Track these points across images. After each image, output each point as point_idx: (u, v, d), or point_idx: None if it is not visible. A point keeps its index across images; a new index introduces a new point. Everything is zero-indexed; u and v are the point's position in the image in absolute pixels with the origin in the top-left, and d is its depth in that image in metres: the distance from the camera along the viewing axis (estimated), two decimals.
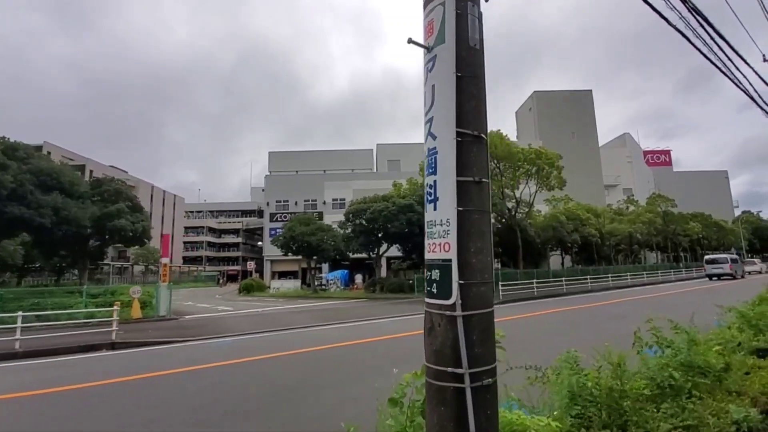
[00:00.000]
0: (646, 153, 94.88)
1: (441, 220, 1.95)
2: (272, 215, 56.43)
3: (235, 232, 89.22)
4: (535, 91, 63.15)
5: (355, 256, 32.06)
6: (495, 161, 27.68)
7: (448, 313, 1.88)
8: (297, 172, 59.53)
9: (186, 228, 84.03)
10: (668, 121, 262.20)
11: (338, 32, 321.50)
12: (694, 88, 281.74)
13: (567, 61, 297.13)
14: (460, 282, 1.86)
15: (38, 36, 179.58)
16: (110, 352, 10.16)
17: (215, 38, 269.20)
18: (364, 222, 25.75)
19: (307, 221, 29.90)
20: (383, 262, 28.38)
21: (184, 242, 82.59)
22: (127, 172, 73.17)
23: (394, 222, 24.53)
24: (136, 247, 53.51)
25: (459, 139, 1.94)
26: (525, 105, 66.56)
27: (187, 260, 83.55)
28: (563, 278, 26.18)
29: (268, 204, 57.35)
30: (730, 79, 7.22)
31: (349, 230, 26.75)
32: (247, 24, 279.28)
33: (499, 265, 32.84)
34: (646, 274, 33.62)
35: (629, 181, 64.49)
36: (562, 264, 41.01)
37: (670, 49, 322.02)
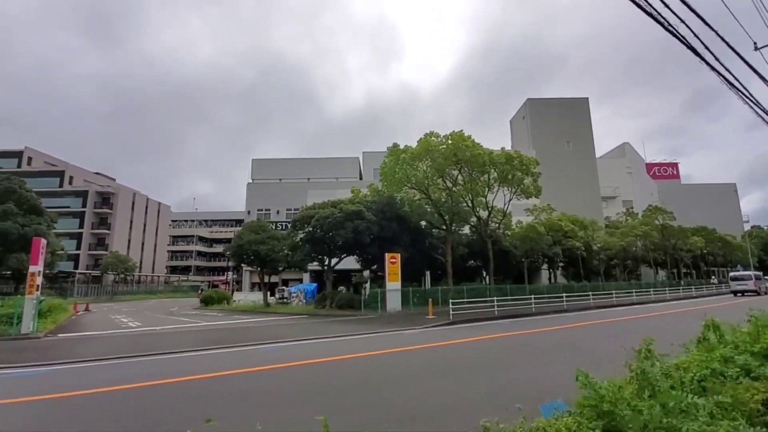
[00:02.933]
0: (652, 165, 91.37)
1: None
2: None
3: (228, 241, 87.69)
4: (528, 99, 60.73)
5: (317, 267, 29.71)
6: (458, 166, 25.21)
7: None
8: (280, 180, 57.82)
9: (175, 237, 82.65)
10: (678, 138, 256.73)
11: (355, 49, 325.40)
12: (704, 105, 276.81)
13: (578, 78, 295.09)
14: None
15: (71, 52, 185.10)
16: None
17: (237, 55, 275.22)
18: (310, 230, 23.40)
19: (259, 229, 27.63)
20: (330, 275, 25.81)
21: (172, 251, 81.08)
22: (114, 180, 72.30)
23: (339, 230, 22.13)
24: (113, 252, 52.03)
25: None
26: (519, 113, 64.11)
27: (175, 270, 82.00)
28: (532, 296, 23.32)
29: (249, 213, 55.58)
30: (742, 95, 7.53)
31: (298, 239, 24.36)
32: (268, 41, 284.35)
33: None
34: (635, 292, 30.44)
35: (629, 192, 61.20)
36: (549, 279, 38.00)
37: (680, 67, 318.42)
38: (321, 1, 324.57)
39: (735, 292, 34.09)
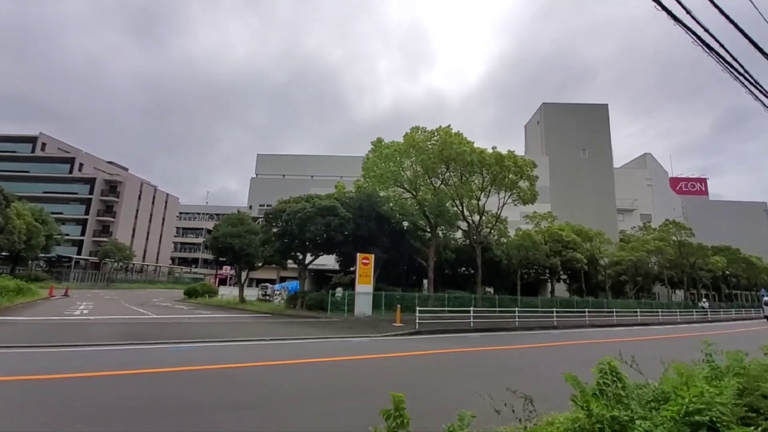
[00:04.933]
0: (678, 180, 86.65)
1: None
2: (254, 219, 53.97)
3: None
4: (543, 103, 58.16)
5: (315, 266, 28.57)
6: (446, 164, 23.47)
7: None
8: (284, 176, 57.20)
9: (184, 229, 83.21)
10: (711, 157, 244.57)
11: (386, 55, 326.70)
12: (738, 125, 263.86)
13: (607, 93, 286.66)
14: None
15: (117, 52, 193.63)
16: None
17: (271, 57, 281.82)
18: (282, 224, 22.11)
19: (237, 222, 26.55)
20: (304, 273, 24.40)
21: (181, 243, 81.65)
22: (127, 170, 73.17)
23: (310, 226, 20.73)
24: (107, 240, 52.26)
25: None
26: (533, 118, 61.56)
27: (184, 261, 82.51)
28: (516, 309, 21.33)
29: (251, 207, 55.12)
30: None
31: (271, 234, 23.07)
32: (302, 45, 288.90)
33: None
34: (640, 312, 27.88)
35: (648, 206, 57.69)
36: (551, 293, 35.57)
37: (714, 86, 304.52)
38: (356, 7, 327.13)
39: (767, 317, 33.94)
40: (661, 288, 45.76)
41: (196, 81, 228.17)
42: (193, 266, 76.10)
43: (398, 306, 19.01)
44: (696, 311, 32.88)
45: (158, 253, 68.66)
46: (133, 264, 57.63)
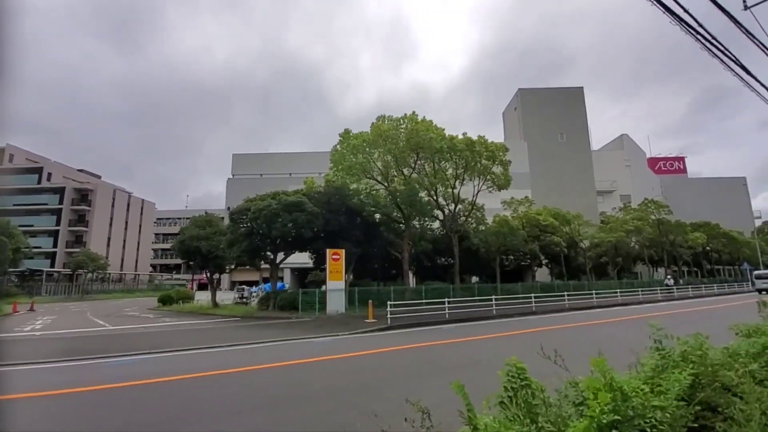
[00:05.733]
0: (657, 160, 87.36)
1: None
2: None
3: None
4: (520, 89, 57.80)
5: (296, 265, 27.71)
6: (415, 152, 22.79)
7: None
8: (261, 175, 55.93)
9: (164, 235, 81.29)
10: (690, 137, 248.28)
11: (368, 50, 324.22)
12: (717, 104, 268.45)
13: (588, 79, 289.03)
14: None
15: (94, 59, 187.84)
16: None
17: (252, 57, 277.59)
18: (248, 223, 21.21)
19: (205, 224, 25.54)
20: (275, 272, 23.60)
21: (162, 249, 79.79)
22: (100, 177, 70.99)
23: (275, 223, 19.88)
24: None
25: None
26: (511, 104, 61.23)
27: (163, 268, 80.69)
28: (493, 297, 20.85)
29: (229, 209, 53.77)
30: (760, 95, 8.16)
31: (239, 233, 22.10)
32: (283, 43, 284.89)
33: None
34: (621, 292, 27.72)
35: (627, 187, 57.95)
36: (532, 278, 35.29)
37: (692, 67, 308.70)
38: (334, 2, 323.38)
39: (760, 290, 34.30)
40: (643, 267, 45.98)
41: (177, 85, 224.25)
42: (175, 272, 74.35)
43: (370, 301, 18.32)
44: (660, 289, 32.27)
45: (137, 260, 66.85)
46: (109, 274, 55.89)
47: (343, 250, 20.72)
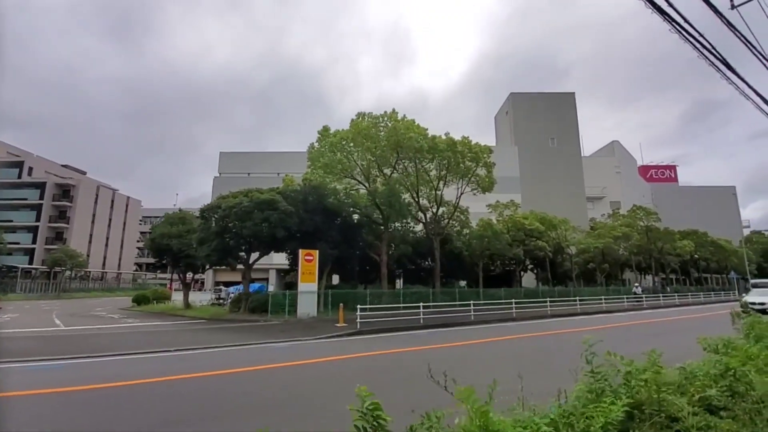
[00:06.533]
0: (648, 168, 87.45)
1: None
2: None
3: None
4: (511, 93, 57.43)
5: (280, 266, 26.84)
6: (396, 152, 22.08)
7: None
8: (249, 174, 54.92)
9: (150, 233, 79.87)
10: (682, 147, 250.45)
11: (368, 54, 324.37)
12: (706, 116, 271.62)
13: (585, 89, 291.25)
14: None
15: (92, 58, 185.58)
16: None
17: (252, 59, 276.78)
18: (219, 221, 20.36)
19: (179, 222, 24.64)
20: (248, 273, 22.71)
21: (144, 248, 78.30)
22: (85, 173, 69.57)
23: (247, 221, 19.07)
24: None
25: None
26: (503, 108, 60.84)
27: (149, 267, 79.21)
28: (471, 303, 20.14)
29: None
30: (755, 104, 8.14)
31: (210, 232, 21.22)
32: (284, 46, 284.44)
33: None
34: (605, 299, 27.17)
35: (617, 193, 57.71)
36: (519, 283, 34.66)
37: (687, 78, 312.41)
38: (336, 7, 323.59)
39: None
40: (630, 274, 45.56)
41: (178, 84, 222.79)
42: (159, 272, 72.94)
43: (341, 305, 17.55)
44: (627, 298, 29.65)
45: (120, 259, 65.47)
46: (90, 272, 54.58)
47: (317, 251, 19.94)
